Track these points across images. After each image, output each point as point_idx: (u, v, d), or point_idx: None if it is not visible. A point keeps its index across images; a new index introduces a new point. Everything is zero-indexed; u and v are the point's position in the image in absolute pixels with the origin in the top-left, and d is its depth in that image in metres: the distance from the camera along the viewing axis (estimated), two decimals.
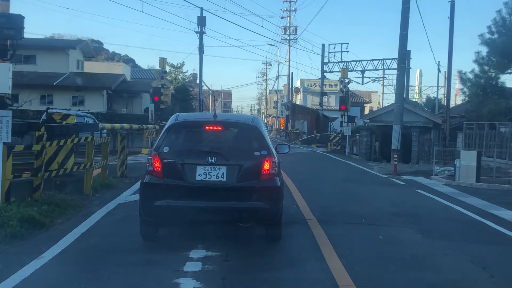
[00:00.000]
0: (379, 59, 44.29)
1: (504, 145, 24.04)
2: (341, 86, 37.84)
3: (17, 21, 9.15)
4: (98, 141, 13.31)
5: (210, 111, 25.13)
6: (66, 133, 11.49)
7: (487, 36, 29.09)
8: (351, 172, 21.73)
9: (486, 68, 29.90)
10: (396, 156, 22.92)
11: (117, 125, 24.46)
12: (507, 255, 8.19)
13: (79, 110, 34.17)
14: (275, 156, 7.56)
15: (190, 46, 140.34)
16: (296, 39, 62.04)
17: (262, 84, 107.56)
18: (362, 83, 45.86)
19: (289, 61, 62.75)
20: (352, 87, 46.89)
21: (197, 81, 53.90)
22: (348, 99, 36.71)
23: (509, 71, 29.79)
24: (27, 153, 11.25)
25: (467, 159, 18.10)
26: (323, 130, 50.39)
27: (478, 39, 29.30)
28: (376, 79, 51.30)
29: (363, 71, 44.86)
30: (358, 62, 45.28)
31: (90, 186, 11.61)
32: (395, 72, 33.86)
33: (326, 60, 46.87)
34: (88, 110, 37.07)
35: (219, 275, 6.19)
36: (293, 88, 66.69)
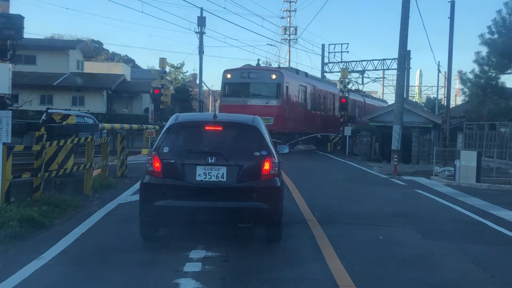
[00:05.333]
0: (379, 59, 44.36)
1: (504, 145, 24.03)
2: (341, 86, 37.80)
3: (17, 21, 9.16)
4: (98, 141, 13.29)
5: (210, 111, 24.81)
6: (66, 133, 11.48)
7: (487, 36, 29.10)
8: (351, 172, 21.71)
9: (486, 68, 29.91)
10: (396, 156, 22.89)
11: (117, 125, 24.45)
12: (507, 255, 8.18)
13: (79, 110, 34.15)
14: (275, 156, 7.56)
15: (190, 46, 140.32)
16: (296, 39, 61.99)
17: None
18: (362, 83, 45.89)
19: (289, 61, 62.69)
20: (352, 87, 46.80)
21: (197, 81, 53.90)
22: (348, 100, 36.64)
23: (509, 71, 29.80)
24: (27, 153, 11.24)
25: (467, 159, 18.09)
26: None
27: (478, 39, 29.33)
28: (376, 79, 51.43)
29: (363, 71, 44.90)
30: (358, 63, 45.32)
31: (90, 186, 11.60)
32: (395, 72, 33.87)
33: (326, 60, 46.85)
34: (88, 111, 37.04)
35: (219, 275, 6.19)
36: None
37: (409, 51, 35.78)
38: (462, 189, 16.49)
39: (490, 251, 8.22)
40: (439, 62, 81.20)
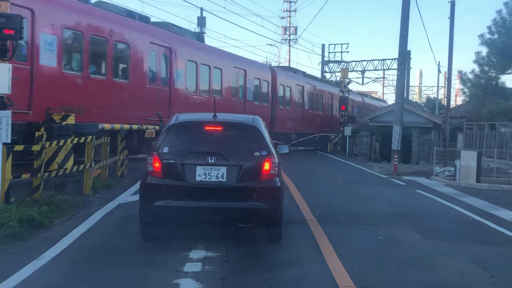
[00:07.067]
0: (379, 59, 44.37)
1: (504, 146, 24.04)
2: (341, 86, 37.79)
3: (17, 21, 9.13)
4: (98, 142, 13.26)
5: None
6: (65, 133, 11.47)
7: (487, 36, 29.16)
8: (351, 173, 21.72)
9: (486, 68, 29.96)
10: (396, 156, 22.90)
11: (117, 126, 24.36)
12: (507, 255, 8.18)
13: None
14: (275, 156, 7.56)
15: None
16: (296, 39, 61.99)
17: None
18: (362, 83, 45.95)
19: (289, 61, 62.70)
20: (352, 87, 46.91)
21: None
22: (348, 100, 36.66)
23: (509, 71, 29.83)
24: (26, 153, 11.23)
25: (467, 159, 18.09)
26: None
27: (478, 39, 29.38)
28: (376, 79, 51.38)
29: (363, 71, 44.89)
30: (358, 62, 45.32)
31: (90, 186, 11.59)
32: (395, 72, 33.87)
33: (326, 60, 46.81)
34: None
35: (219, 275, 6.19)
36: None
37: (409, 51, 35.79)
38: (462, 189, 16.49)
39: (490, 251, 8.22)
40: (439, 62, 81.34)
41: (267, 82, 27.01)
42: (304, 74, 34.99)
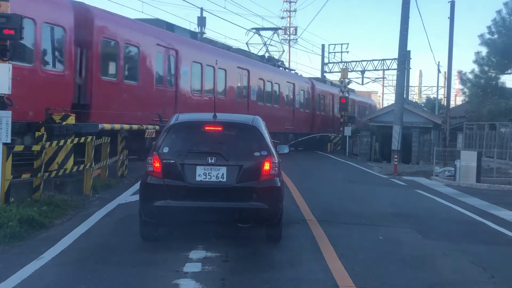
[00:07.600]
0: (379, 60, 44.34)
1: (504, 146, 24.05)
2: (341, 86, 37.79)
3: (17, 21, 9.13)
4: (98, 142, 13.25)
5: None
6: (66, 133, 11.46)
7: (487, 36, 29.21)
8: (351, 173, 21.72)
9: (486, 68, 30.01)
10: (396, 156, 22.90)
11: (117, 126, 24.35)
12: (507, 255, 8.18)
13: None
14: (275, 156, 7.56)
15: None
16: (296, 39, 61.99)
17: None
18: (362, 84, 45.94)
19: (289, 61, 62.67)
20: (352, 87, 46.91)
21: None
22: (348, 100, 36.66)
23: (509, 71, 29.88)
24: (26, 153, 11.22)
25: (467, 159, 18.09)
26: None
27: (478, 39, 29.42)
28: (376, 80, 51.38)
29: (363, 72, 44.88)
30: (358, 63, 45.30)
31: (90, 186, 11.59)
32: (395, 72, 33.86)
33: (326, 60, 46.79)
34: None
35: (219, 275, 6.19)
36: None
37: (409, 51, 35.79)
38: (462, 189, 16.49)
39: (490, 251, 8.22)
40: (439, 62, 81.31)
41: (62, 29, 12.65)
42: (193, 34, 21.99)
